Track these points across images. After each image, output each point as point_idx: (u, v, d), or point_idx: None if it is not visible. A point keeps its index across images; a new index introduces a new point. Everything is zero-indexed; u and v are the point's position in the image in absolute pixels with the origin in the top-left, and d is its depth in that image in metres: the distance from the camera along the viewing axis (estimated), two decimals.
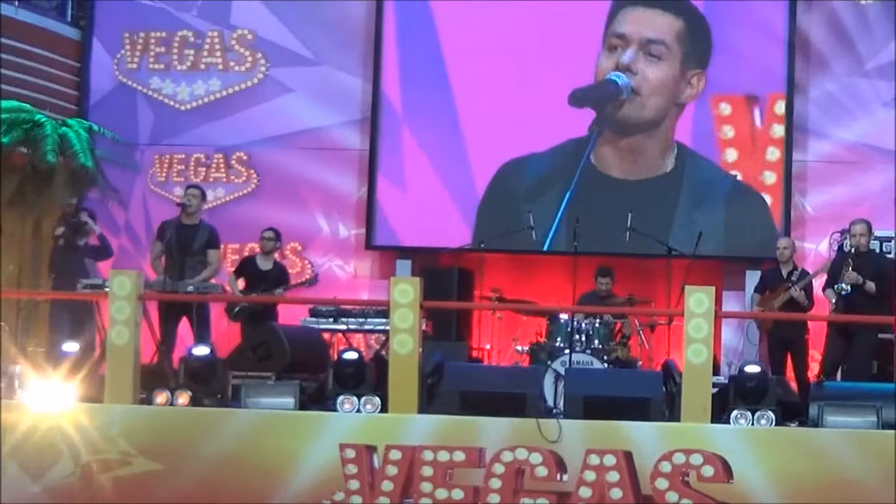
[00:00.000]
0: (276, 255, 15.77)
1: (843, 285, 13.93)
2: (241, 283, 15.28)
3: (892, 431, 11.10)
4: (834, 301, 14.17)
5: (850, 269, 14.00)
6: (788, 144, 17.14)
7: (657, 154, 17.44)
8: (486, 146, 17.56)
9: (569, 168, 17.30)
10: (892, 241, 15.75)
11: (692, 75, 17.34)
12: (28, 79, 16.77)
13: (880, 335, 14.79)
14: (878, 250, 15.29)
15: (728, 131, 17.28)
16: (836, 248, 15.22)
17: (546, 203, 17.24)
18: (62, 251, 15.02)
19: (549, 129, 17.47)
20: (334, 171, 17.79)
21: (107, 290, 11.96)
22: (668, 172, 17.37)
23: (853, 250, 14.34)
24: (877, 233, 15.34)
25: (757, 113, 17.24)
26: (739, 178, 17.32)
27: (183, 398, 11.44)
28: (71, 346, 12.28)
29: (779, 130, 17.24)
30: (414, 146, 17.60)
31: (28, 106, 15.23)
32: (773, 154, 17.20)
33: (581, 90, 17.33)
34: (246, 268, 15.42)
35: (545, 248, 17.15)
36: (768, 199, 17.26)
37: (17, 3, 16.86)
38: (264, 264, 15.38)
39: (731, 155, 17.35)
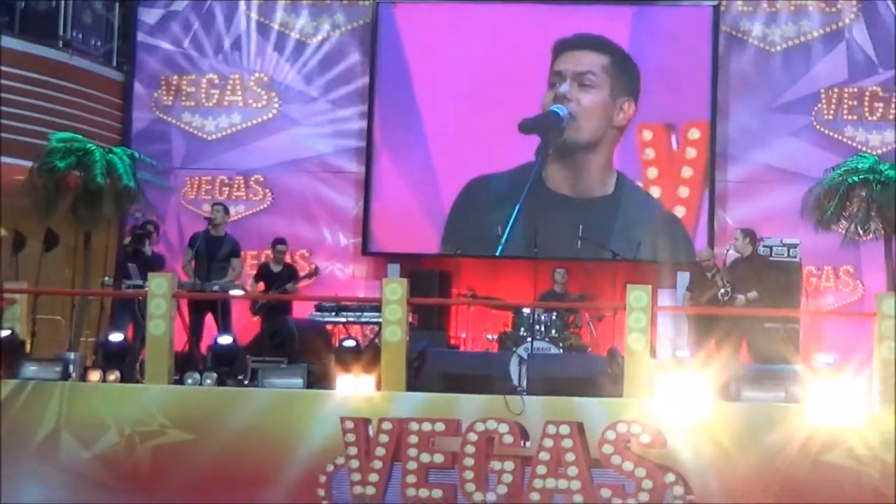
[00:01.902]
0: (287, 259, 15.78)
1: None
2: (260, 286, 15.27)
3: (799, 404, 11.13)
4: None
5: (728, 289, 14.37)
6: (711, 167, 17.16)
7: (599, 176, 17.41)
8: (450, 168, 17.53)
9: (523, 187, 17.27)
10: (798, 248, 15.77)
11: (622, 102, 17.32)
12: (80, 114, 16.71)
13: (787, 325, 14.86)
14: (786, 255, 15.36)
15: (650, 153, 17.30)
16: (729, 251, 15.21)
17: (503, 216, 17.20)
18: (129, 258, 14.98)
19: (506, 153, 17.42)
20: (335, 191, 17.77)
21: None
22: (609, 194, 17.34)
23: (738, 253, 14.60)
24: (785, 240, 15.42)
25: (673, 138, 17.26)
26: (661, 205, 17.33)
27: (210, 379, 11.44)
28: (116, 336, 12.25)
29: (691, 153, 17.23)
30: (400, 171, 17.55)
31: (80, 136, 15.17)
32: (687, 172, 17.22)
33: (528, 120, 17.32)
34: (262, 273, 15.45)
35: (498, 253, 17.11)
36: (682, 209, 17.30)
37: (71, 51, 16.80)
38: (276, 268, 15.40)
39: (653, 172, 17.34)
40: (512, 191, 17.32)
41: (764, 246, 15.18)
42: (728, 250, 15.18)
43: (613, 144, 17.38)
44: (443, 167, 17.55)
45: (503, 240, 17.03)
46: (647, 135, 17.33)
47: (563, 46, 17.57)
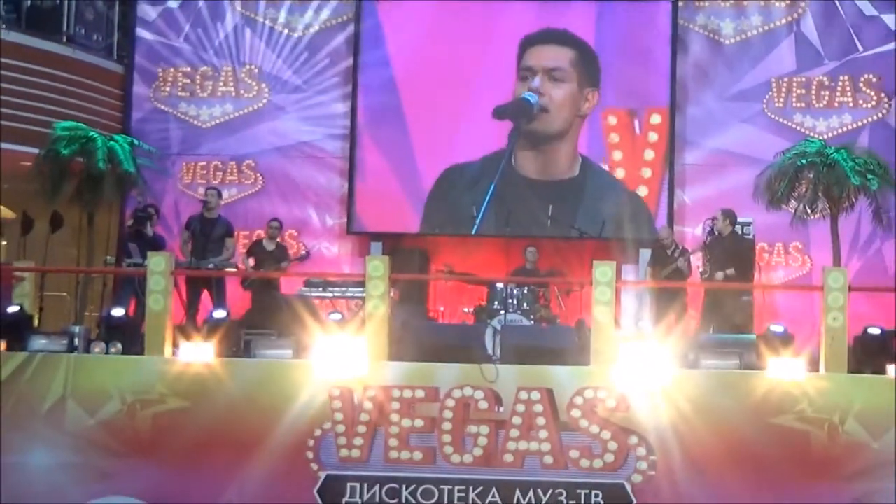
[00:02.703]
0: (279, 239, 15.74)
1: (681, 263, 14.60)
2: (251, 261, 15.23)
3: (753, 371, 11.17)
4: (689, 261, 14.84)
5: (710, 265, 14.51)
6: (671, 151, 17.17)
7: (566, 161, 17.39)
8: (429, 153, 17.48)
9: (495, 171, 17.24)
10: (751, 226, 15.83)
11: (588, 92, 17.34)
12: (83, 104, 16.68)
13: (742, 298, 14.90)
14: (740, 232, 15.41)
15: (614, 137, 17.30)
16: (707, 230, 15.28)
17: (478, 198, 17.18)
18: (132, 238, 14.96)
19: (479, 139, 17.39)
20: (321, 174, 17.73)
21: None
22: (575, 177, 17.32)
23: (715, 232, 14.62)
24: (739, 219, 15.46)
25: (636, 123, 17.27)
26: (625, 185, 17.29)
27: (205, 350, 11.39)
28: (118, 311, 12.20)
29: (653, 137, 17.25)
30: (381, 154, 17.51)
31: (83, 125, 15.09)
32: (649, 154, 17.24)
33: (501, 106, 17.33)
34: (255, 249, 15.37)
35: (473, 232, 17.09)
36: (645, 189, 17.29)
37: (74, 46, 16.74)
38: (269, 245, 15.34)
39: (617, 155, 17.33)
40: (484, 175, 17.31)
41: (712, 225, 15.27)
42: (705, 229, 15.24)
43: (578, 130, 17.37)
44: (422, 152, 17.51)
45: (478, 219, 17.02)
46: (612, 120, 17.33)
47: (531, 41, 17.55)
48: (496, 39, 17.56)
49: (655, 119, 17.27)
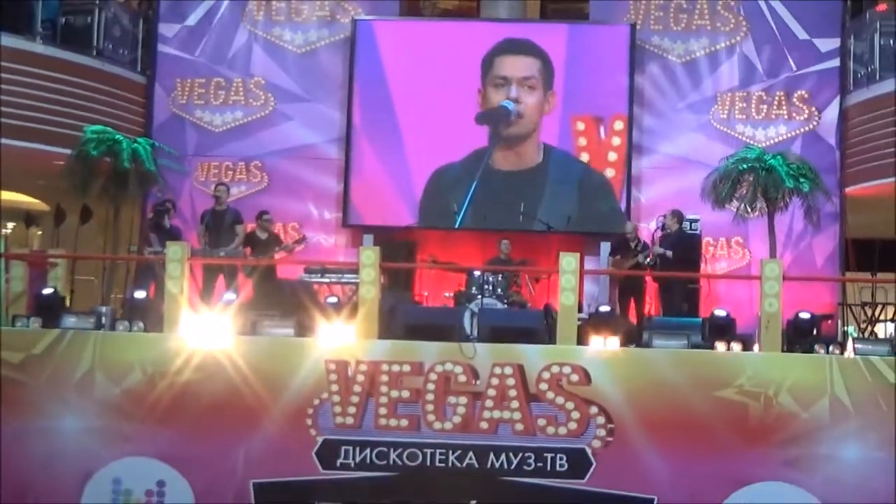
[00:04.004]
0: (275, 230, 15.72)
1: (648, 261, 14.63)
2: (247, 251, 15.19)
3: (698, 350, 11.20)
4: (649, 259, 14.86)
5: (657, 247, 14.74)
6: (629, 156, 17.19)
7: (532, 153, 17.41)
8: (418, 154, 17.47)
9: (475, 170, 17.24)
10: (698, 222, 15.87)
11: (549, 95, 17.35)
12: (110, 110, 16.60)
13: (689, 286, 14.97)
14: (688, 229, 15.50)
15: (582, 141, 17.30)
16: (658, 226, 15.35)
17: (461, 195, 17.16)
18: (152, 229, 14.95)
19: (461, 141, 17.40)
20: (320, 174, 17.68)
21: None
22: (539, 163, 17.34)
23: (665, 229, 14.73)
24: (687, 216, 15.54)
25: (602, 129, 17.27)
26: (588, 161, 17.34)
27: (217, 329, 11.35)
28: (140, 294, 12.15)
29: (616, 141, 17.24)
30: (375, 156, 17.49)
31: (110, 129, 15.06)
32: (612, 156, 17.23)
33: (482, 113, 17.35)
34: (249, 240, 15.37)
35: (456, 226, 17.08)
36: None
37: (103, 59, 16.70)
38: (262, 235, 15.36)
39: (584, 157, 17.32)
40: (467, 173, 17.30)
41: (663, 223, 15.36)
42: (657, 225, 15.37)
43: (541, 126, 17.39)
44: (413, 155, 17.48)
45: (461, 214, 17.01)
46: (580, 125, 17.33)
47: (498, 51, 17.58)
48: (478, 53, 17.53)
49: (619, 125, 17.28)
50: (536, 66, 17.46)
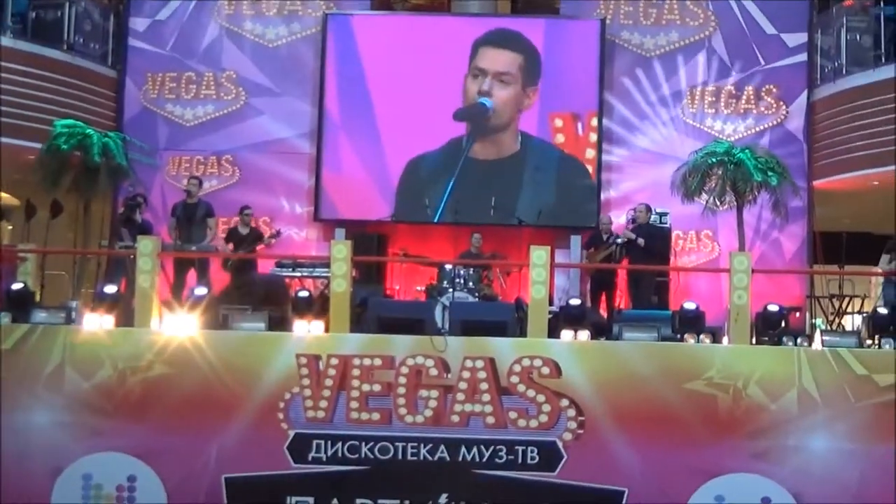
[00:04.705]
0: (252, 224, 15.65)
1: (620, 240, 14.78)
2: (230, 246, 15.15)
3: (668, 342, 11.21)
4: (618, 244, 15.00)
5: (627, 231, 14.73)
6: (599, 150, 17.16)
7: (509, 142, 17.34)
8: (396, 146, 17.34)
9: (452, 161, 17.18)
10: (668, 216, 15.89)
11: (530, 91, 17.30)
12: (81, 104, 16.45)
13: (659, 279, 15.00)
14: (658, 222, 15.55)
15: (560, 137, 17.26)
16: (630, 218, 15.37)
17: (438, 187, 17.11)
18: (123, 223, 14.84)
19: (438, 133, 17.31)
20: (292, 168, 17.58)
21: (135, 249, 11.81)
22: (517, 151, 17.30)
23: (636, 222, 14.73)
24: (657, 209, 15.57)
25: (579, 125, 17.23)
26: (565, 150, 17.27)
27: (188, 323, 11.29)
28: (110, 288, 12.05)
29: (594, 137, 17.19)
30: (349, 148, 17.41)
31: (81, 123, 14.88)
32: (590, 153, 17.20)
33: (460, 110, 17.26)
34: (232, 235, 15.33)
35: (435, 220, 17.02)
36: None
37: (73, 53, 16.55)
38: (243, 230, 15.29)
39: (559, 146, 17.29)
40: (444, 165, 17.24)
41: (634, 216, 15.38)
42: (628, 218, 15.40)
43: (519, 119, 17.34)
44: (390, 147, 17.37)
45: (440, 208, 16.94)
46: (558, 122, 17.28)
47: (483, 42, 17.50)
48: (453, 47, 17.44)
49: (595, 121, 17.22)
50: (517, 62, 17.38)
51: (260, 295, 13.35)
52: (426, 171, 17.29)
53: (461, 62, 17.42)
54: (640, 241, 14.66)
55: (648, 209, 15.27)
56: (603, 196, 17.10)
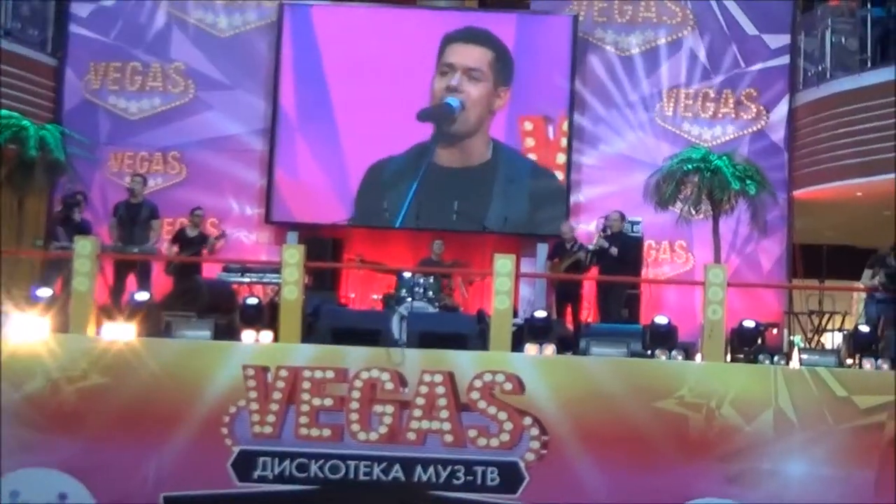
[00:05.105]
0: (201, 227, 15.55)
1: (591, 247, 14.46)
2: (175, 248, 15.04)
3: (638, 359, 11.22)
4: (588, 256, 14.73)
5: (601, 238, 14.52)
6: (569, 154, 17.18)
7: (480, 149, 17.35)
8: (356, 147, 17.31)
9: (417, 166, 17.16)
10: (640, 224, 15.93)
11: (501, 91, 17.32)
12: (17, 94, 16.30)
13: (629, 291, 15.01)
14: (629, 231, 15.54)
15: (530, 141, 17.27)
16: (600, 228, 15.36)
17: (401, 191, 17.09)
18: (60, 223, 14.68)
19: (403, 136, 17.29)
20: (243, 166, 17.51)
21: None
22: (488, 160, 17.30)
23: (608, 230, 14.68)
24: (629, 218, 15.57)
25: (550, 129, 17.25)
26: (536, 160, 17.26)
27: (127, 330, 11.20)
28: (45, 291, 11.92)
29: (565, 142, 17.22)
30: (304, 147, 17.35)
31: (17, 114, 14.80)
32: (561, 158, 17.22)
33: (425, 110, 17.24)
34: (179, 237, 15.21)
35: (397, 224, 16.98)
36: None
37: (10, 39, 16.42)
38: (191, 233, 15.18)
39: (532, 158, 17.29)
40: (408, 168, 17.23)
41: (607, 224, 15.30)
42: (598, 227, 15.38)
43: (490, 123, 17.35)
44: (350, 148, 17.34)
45: (401, 214, 16.92)
46: (528, 126, 17.29)
47: (453, 38, 17.51)
48: (420, 41, 17.47)
49: (567, 125, 17.25)
50: (488, 59, 17.40)
51: (205, 301, 13.26)
52: (389, 176, 17.27)
53: (429, 59, 17.41)
54: (614, 250, 14.54)
55: (622, 217, 15.17)
56: (572, 202, 17.12)
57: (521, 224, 16.85)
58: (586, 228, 16.54)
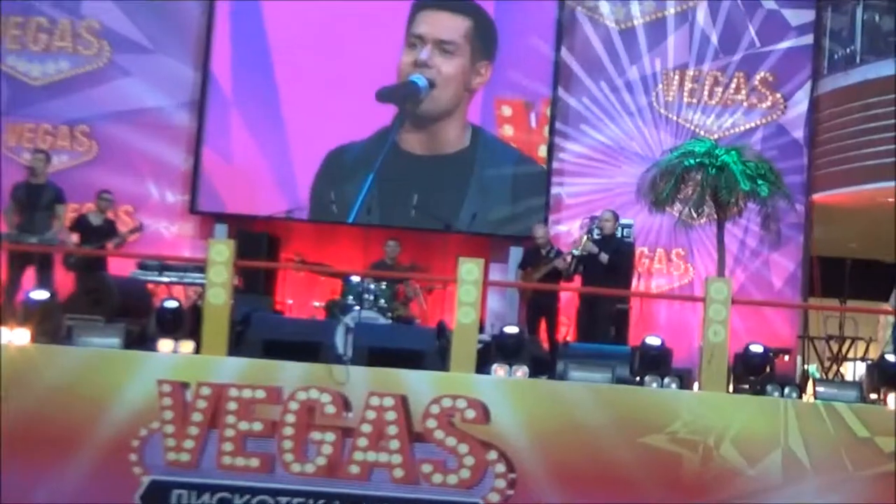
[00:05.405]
0: (111, 215, 15.48)
1: (577, 252, 14.21)
2: (75, 237, 14.97)
3: (624, 386, 11.24)
4: (572, 263, 14.53)
5: (588, 241, 14.29)
6: (550, 144, 17.24)
7: (456, 134, 17.41)
8: (305, 129, 17.38)
9: (381, 152, 17.23)
10: (632, 228, 15.98)
11: (481, 66, 17.39)
12: None
13: (618, 305, 15.03)
14: (619, 235, 15.54)
15: (508, 129, 17.32)
16: (585, 230, 15.37)
17: (359, 182, 17.14)
18: None
19: (366, 118, 17.36)
20: (164, 145, 17.49)
21: None
22: (465, 148, 17.34)
23: (597, 231, 14.64)
24: (620, 220, 15.60)
25: (532, 116, 17.30)
26: (520, 152, 17.37)
27: (22, 335, 11.14)
28: None
29: (549, 132, 17.28)
30: (241, 127, 17.35)
31: None
32: (544, 151, 17.29)
33: (386, 89, 17.31)
34: (80, 224, 15.13)
35: (350, 220, 17.00)
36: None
37: None
38: (95, 220, 15.12)
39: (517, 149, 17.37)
40: (371, 156, 17.33)
41: (597, 225, 15.25)
42: (582, 229, 15.36)
43: (467, 104, 17.42)
44: (296, 127, 17.43)
45: (356, 207, 16.95)
46: (507, 111, 17.36)
47: (424, 3, 17.63)
48: (387, 8, 17.52)
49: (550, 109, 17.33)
50: (462, 28, 17.49)
51: (115, 303, 13.23)
52: (349, 164, 17.31)
53: (397, 29, 17.44)
54: (604, 256, 14.48)
55: (616, 217, 15.07)
56: (553, 200, 17.16)
57: (493, 223, 16.86)
58: (566, 230, 16.57)
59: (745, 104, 17.49)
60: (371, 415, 10.79)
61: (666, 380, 11.36)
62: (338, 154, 17.34)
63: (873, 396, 11.64)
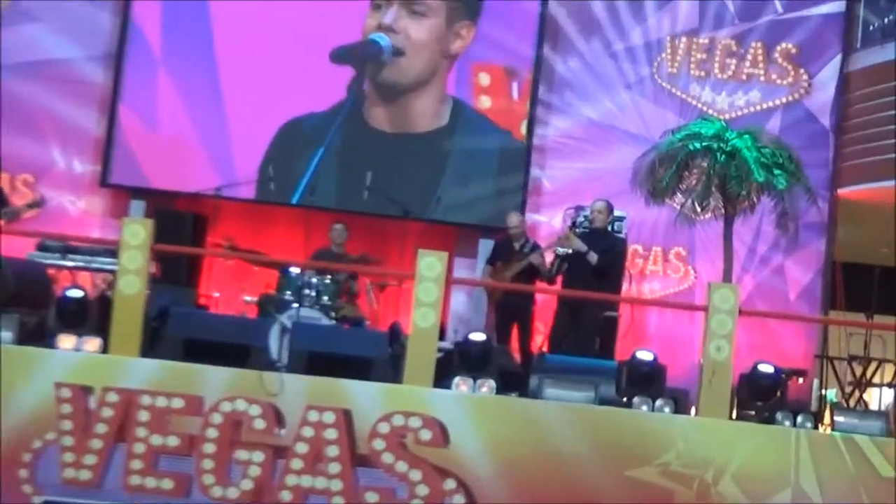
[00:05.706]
0: (4, 184, 15.43)
1: (561, 251, 14.16)
2: None
3: (609, 408, 11.26)
4: (555, 263, 14.44)
5: (574, 237, 14.21)
6: (531, 118, 17.26)
7: (432, 109, 17.44)
8: (250, 98, 17.47)
9: (342, 126, 17.29)
10: (624, 222, 15.96)
11: (461, 27, 17.41)
12: None
13: (606, 313, 15.03)
14: (610, 229, 15.51)
15: (485, 101, 17.33)
16: (569, 223, 15.34)
17: (311, 158, 17.21)
18: None
19: (326, 88, 17.49)
20: (74, 105, 17.46)
21: None
22: (444, 126, 17.39)
23: (584, 224, 14.58)
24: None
25: (514, 86, 17.32)
26: (508, 133, 17.46)
27: None
28: None
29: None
30: (171, 89, 17.34)
31: None
32: (526, 128, 17.31)
33: (342, 48, 17.41)
34: None
35: (294, 200, 17.00)
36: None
37: None
38: None
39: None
40: (325, 131, 17.41)
41: (583, 216, 15.19)
42: (569, 221, 15.32)
43: (446, 73, 17.44)
44: (235, 91, 17.52)
45: (301, 186, 16.94)
46: (485, 79, 17.36)
47: None
48: None
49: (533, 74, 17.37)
50: None
51: (9, 291, 13.19)
52: (305, 138, 17.37)
53: None
54: (593, 256, 14.38)
55: (610, 209, 14.93)
56: (532, 184, 17.18)
57: (459, 209, 16.86)
58: (545, 220, 16.61)
59: (762, 80, 17.55)
60: (308, 432, 10.76)
61: (658, 402, 11.38)
62: (293, 126, 17.37)
63: None
